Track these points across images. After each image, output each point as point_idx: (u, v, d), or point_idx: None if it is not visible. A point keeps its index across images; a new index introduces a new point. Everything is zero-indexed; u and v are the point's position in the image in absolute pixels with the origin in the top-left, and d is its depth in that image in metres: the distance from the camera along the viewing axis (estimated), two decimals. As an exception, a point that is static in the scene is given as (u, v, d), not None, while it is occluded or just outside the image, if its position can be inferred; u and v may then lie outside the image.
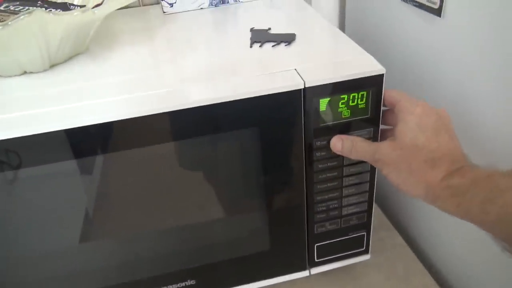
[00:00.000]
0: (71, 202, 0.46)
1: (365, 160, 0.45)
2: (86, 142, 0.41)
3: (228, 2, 0.67)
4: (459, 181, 0.37)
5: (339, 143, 0.46)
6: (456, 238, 0.59)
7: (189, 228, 0.51)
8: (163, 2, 0.65)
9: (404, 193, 0.42)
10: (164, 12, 0.66)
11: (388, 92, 0.45)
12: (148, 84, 0.44)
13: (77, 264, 0.50)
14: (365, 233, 0.55)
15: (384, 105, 0.45)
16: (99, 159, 0.43)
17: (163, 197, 0.48)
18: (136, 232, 0.50)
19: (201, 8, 0.67)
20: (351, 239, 0.55)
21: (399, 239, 0.68)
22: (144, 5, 0.73)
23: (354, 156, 0.45)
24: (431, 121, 0.40)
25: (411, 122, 0.41)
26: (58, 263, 0.49)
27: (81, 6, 0.55)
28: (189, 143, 0.44)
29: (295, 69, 0.44)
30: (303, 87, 0.42)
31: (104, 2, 0.47)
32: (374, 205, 0.54)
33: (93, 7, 0.45)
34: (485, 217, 0.34)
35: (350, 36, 0.52)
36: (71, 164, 0.42)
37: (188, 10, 0.66)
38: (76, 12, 0.40)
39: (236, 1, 0.67)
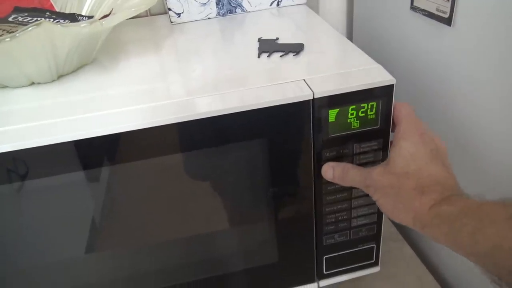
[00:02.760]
0: (78, 213, 0.46)
1: (357, 186, 0.45)
2: (93, 153, 0.41)
3: (235, 12, 0.67)
4: (447, 209, 0.36)
5: (330, 171, 0.45)
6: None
7: (197, 239, 0.50)
8: (170, 12, 0.65)
9: (393, 220, 0.41)
10: (171, 22, 0.66)
11: (398, 108, 0.44)
12: (156, 95, 0.44)
13: (83, 276, 0.49)
14: (374, 245, 0.54)
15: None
16: (106, 170, 0.43)
17: (170, 208, 0.48)
18: (142, 243, 0.50)
19: (209, 18, 0.66)
20: (361, 251, 0.54)
21: (408, 250, 0.67)
22: (152, 15, 0.73)
23: (347, 183, 0.45)
24: (426, 151, 0.40)
25: (404, 150, 0.40)
26: (63, 274, 0.49)
27: (89, 17, 0.55)
28: (197, 154, 0.44)
29: (304, 80, 0.44)
30: (312, 98, 0.42)
31: (112, 12, 0.47)
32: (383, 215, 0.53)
33: (101, 18, 0.45)
34: (474, 248, 0.33)
35: (357, 45, 0.52)
36: (79, 175, 0.42)
37: (196, 20, 0.66)
38: (83, 24, 0.40)
39: (243, 10, 0.67)
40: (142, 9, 0.46)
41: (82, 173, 0.42)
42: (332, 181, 0.46)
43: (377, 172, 0.41)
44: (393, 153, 0.41)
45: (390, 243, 0.68)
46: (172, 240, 0.50)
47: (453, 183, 0.39)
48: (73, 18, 0.54)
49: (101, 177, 0.43)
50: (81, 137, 0.39)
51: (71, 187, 0.43)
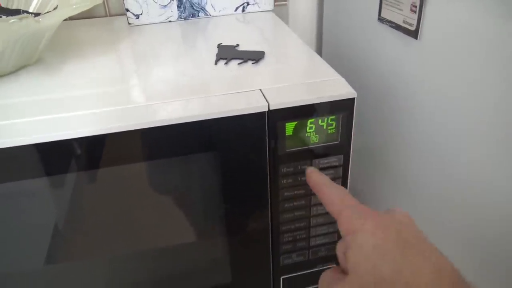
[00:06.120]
0: (30, 222, 0.42)
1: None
2: (27, 163, 0.37)
3: (198, 16, 0.64)
4: None
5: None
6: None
7: (145, 256, 0.47)
8: (128, 13, 0.61)
9: None
10: (129, 24, 0.62)
11: (325, 192, 0.35)
12: (99, 101, 0.41)
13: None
14: (335, 266, 0.51)
15: None
16: (45, 180, 0.39)
17: (116, 222, 0.44)
18: (94, 257, 0.46)
19: (169, 21, 0.63)
20: (320, 272, 0.51)
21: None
22: (112, 15, 0.69)
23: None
24: (391, 237, 0.28)
25: (365, 246, 0.28)
26: (21, 285, 0.45)
27: (35, 14, 0.51)
28: (143, 166, 0.40)
29: (260, 90, 0.41)
30: (267, 109, 0.39)
31: (56, 10, 0.43)
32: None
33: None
34: None
35: (327, 56, 0.50)
36: (18, 184, 0.38)
37: (156, 23, 0.63)
38: (12, 20, 0.36)
39: (206, 15, 0.64)
40: (84, 7, 0.42)
41: (22, 182, 0.38)
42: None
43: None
44: (352, 255, 0.28)
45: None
46: (118, 256, 0.46)
47: (445, 265, 0.27)
48: (18, 14, 0.50)
49: (39, 187, 0.39)
50: (9, 144, 0.35)
51: (16, 195, 0.40)
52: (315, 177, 0.37)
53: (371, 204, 0.68)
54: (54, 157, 0.38)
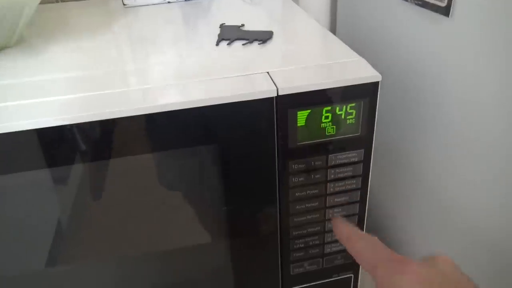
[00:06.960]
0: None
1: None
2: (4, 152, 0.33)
3: (200, -4, 0.58)
4: None
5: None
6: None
7: (142, 263, 0.42)
8: (123, -7, 0.56)
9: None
10: (124, 5, 0.57)
11: (355, 245, 0.32)
12: (84, 84, 0.36)
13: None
14: (352, 275, 0.47)
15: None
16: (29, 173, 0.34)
17: (109, 221, 0.39)
18: (91, 260, 0.42)
19: (169, 2, 0.58)
20: (335, 283, 0.47)
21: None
22: (107, -2, 0.64)
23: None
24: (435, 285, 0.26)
25: None
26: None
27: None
28: (135, 160, 0.35)
29: (268, 73, 0.36)
30: (275, 94, 0.34)
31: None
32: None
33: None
34: None
35: (341, 38, 0.44)
36: None
37: (153, 4, 0.57)
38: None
39: (209, -5, 0.58)
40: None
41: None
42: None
43: None
44: None
45: (371, 268, 0.59)
46: (114, 261, 0.42)
47: None
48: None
49: (18, 182, 0.35)
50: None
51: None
52: (343, 227, 0.35)
53: (388, 203, 0.63)
54: (34, 146, 0.33)
